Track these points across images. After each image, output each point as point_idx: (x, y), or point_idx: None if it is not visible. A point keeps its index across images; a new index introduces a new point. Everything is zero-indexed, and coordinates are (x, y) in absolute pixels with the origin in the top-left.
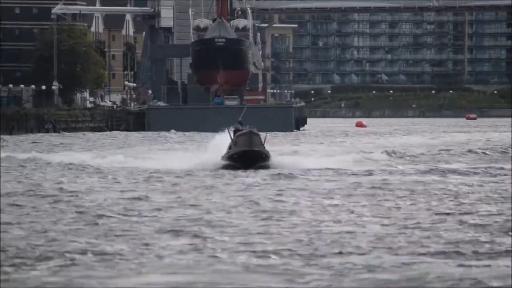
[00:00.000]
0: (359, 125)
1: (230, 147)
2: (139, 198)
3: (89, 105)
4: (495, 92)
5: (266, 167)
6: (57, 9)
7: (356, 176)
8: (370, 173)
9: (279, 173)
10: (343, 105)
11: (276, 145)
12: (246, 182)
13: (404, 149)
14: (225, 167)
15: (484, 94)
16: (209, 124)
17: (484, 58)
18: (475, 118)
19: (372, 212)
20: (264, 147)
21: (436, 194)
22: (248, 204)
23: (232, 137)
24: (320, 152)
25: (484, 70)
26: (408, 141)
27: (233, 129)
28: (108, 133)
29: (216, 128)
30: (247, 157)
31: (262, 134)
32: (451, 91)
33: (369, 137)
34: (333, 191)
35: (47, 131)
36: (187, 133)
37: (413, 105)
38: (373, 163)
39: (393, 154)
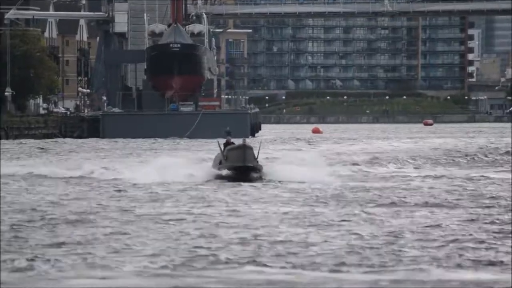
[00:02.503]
0: (316, 131)
1: (220, 162)
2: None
3: (42, 111)
4: (448, 97)
5: (259, 179)
6: (11, 14)
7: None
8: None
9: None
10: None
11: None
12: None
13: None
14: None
15: (438, 99)
16: (164, 130)
17: (438, 63)
18: (431, 124)
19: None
20: (258, 162)
21: None
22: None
23: (222, 149)
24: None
25: (437, 75)
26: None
27: (224, 141)
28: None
29: (171, 134)
30: (240, 173)
31: (256, 146)
32: (404, 97)
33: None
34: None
35: None
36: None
37: (367, 111)
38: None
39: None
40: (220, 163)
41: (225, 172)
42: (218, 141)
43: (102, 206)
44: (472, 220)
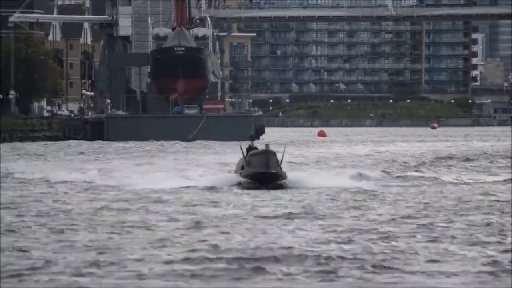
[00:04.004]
0: (321, 134)
1: (242, 167)
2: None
3: (46, 114)
4: (452, 101)
5: (282, 186)
6: (15, 18)
7: None
8: None
9: None
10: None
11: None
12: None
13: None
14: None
15: (441, 103)
16: (168, 133)
17: (441, 67)
18: (436, 128)
19: None
20: (281, 168)
21: None
22: None
23: (245, 154)
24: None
25: (441, 79)
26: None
27: (247, 146)
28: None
29: (175, 137)
30: (263, 180)
31: (279, 153)
32: (408, 100)
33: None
34: None
35: (3, 140)
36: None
37: (371, 114)
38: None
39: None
40: (243, 168)
41: (247, 178)
42: (240, 145)
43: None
44: None
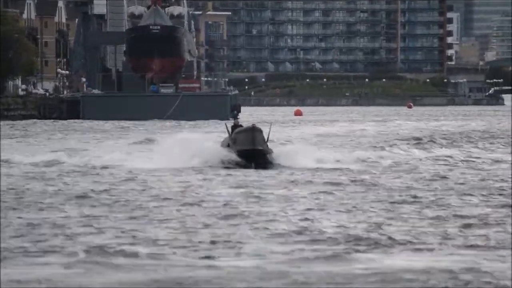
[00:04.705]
0: (298, 113)
1: (228, 145)
2: None
3: (21, 92)
4: (428, 80)
5: (269, 163)
6: None
7: None
8: None
9: None
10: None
11: None
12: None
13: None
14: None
15: (417, 82)
16: (144, 111)
17: (417, 46)
18: (412, 107)
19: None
20: (268, 145)
21: None
22: None
23: (230, 132)
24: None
25: (416, 58)
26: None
27: (231, 124)
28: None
29: (151, 116)
30: (249, 157)
31: (265, 129)
32: (384, 80)
33: None
34: None
35: None
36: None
37: (347, 94)
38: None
39: None
40: (228, 146)
41: (233, 156)
42: (226, 123)
43: None
44: None
